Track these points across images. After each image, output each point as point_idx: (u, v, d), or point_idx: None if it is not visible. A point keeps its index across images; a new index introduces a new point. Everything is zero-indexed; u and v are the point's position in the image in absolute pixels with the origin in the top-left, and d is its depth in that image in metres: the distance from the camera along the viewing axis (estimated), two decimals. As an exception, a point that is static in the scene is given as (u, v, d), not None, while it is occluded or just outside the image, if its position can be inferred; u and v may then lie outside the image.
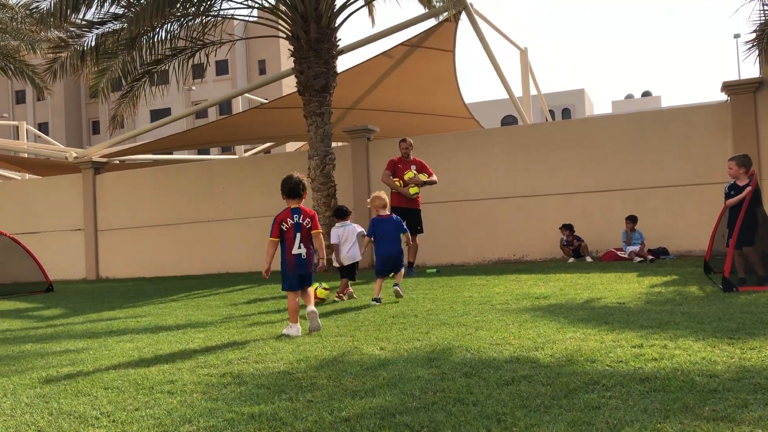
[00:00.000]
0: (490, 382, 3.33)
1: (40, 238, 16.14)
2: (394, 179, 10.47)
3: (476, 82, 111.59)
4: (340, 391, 3.32)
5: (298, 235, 5.53)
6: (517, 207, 12.49)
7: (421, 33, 13.48)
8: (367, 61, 13.61)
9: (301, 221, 5.58)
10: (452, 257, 12.69)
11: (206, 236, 15.19)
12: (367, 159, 13.57)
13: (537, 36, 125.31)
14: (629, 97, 61.25)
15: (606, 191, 11.86)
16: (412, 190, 10.34)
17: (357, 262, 8.21)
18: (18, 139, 28.64)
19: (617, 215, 11.31)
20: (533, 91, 19.39)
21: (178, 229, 15.51)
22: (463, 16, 13.61)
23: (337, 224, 8.31)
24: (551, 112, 33.05)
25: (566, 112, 54.68)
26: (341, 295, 7.85)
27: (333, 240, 8.26)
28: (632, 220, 10.72)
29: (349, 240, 8.16)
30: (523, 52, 18.60)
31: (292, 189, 5.71)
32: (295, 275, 5.52)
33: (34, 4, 14.63)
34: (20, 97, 60.73)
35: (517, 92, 16.77)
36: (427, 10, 13.39)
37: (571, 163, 12.09)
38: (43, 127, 57.32)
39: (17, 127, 28.58)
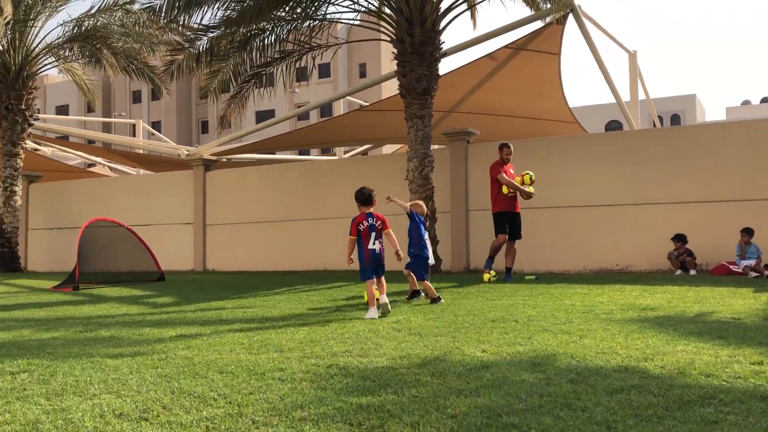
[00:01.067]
0: (598, 390, 3.27)
1: (153, 231, 17.09)
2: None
3: (580, 85, 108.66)
4: (444, 388, 3.36)
5: (373, 234, 6.74)
6: (621, 215, 12.09)
7: (526, 35, 13.30)
8: (469, 63, 13.58)
9: (374, 223, 6.82)
10: (551, 265, 12.45)
11: (307, 234, 15.60)
12: (466, 162, 13.53)
13: (646, 38, 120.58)
14: (746, 103, 57.81)
15: (719, 201, 11.28)
16: (531, 190, 10.14)
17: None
18: (135, 136, 30.49)
19: (731, 227, 10.73)
20: (641, 96, 18.71)
21: (281, 226, 16.02)
22: (570, 17, 13.33)
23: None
24: (659, 117, 31.73)
25: (675, 119, 52.29)
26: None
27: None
28: (748, 232, 10.13)
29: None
30: (632, 55, 17.99)
31: (366, 198, 6.99)
32: (371, 266, 6.66)
33: (149, 5, 15.48)
34: (137, 97, 64.50)
35: (624, 97, 16.24)
36: (533, 12, 13.20)
37: (682, 171, 11.59)
38: (156, 126, 60.67)
39: (134, 125, 30.44)
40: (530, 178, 10.16)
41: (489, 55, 13.49)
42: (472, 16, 14.51)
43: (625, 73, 18.60)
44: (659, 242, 11.31)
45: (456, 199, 13.46)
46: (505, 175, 10.16)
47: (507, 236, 10.11)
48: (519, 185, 10.11)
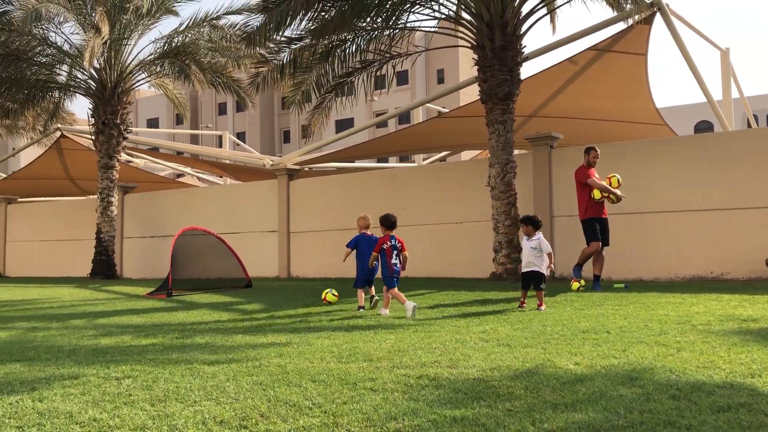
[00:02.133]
0: (703, 407, 3.13)
1: (240, 238, 17.62)
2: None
3: (669, 85, 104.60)
4: (539, 402, 3.30)
5: (395, 252, 8.08)
6: (715, 220, 11.56)
7: (610, 37, 12.94)
8: (551, 67, 13.34)
9: (395, 243, 8.13)
10: (640, 272, 12.03)
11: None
12: (549, 167, 13.27)
13: (739, 35, 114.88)
14: None
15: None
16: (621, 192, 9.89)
17: (533, 273, 7.87)
18: (221, 147, 31.53)
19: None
20: (734, 94, 17.84)
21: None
22: (658, 16, 12.88)
23: (525, 237, 8.11)
24: (755, 116, 30.16)
25: (772, 117, 49.57)
26: (524, 304, 7.77)
27: (546, 250, 8.09)
28: None
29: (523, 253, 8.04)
30: (724, 53, 17.18)
31: (391, 224, 8.32)
32: (394, 277, 7.93)
33: (242, 26, 16.01)
34: (222, 109, 66.80)
35: (716, 96, 15.51)
36: (616, 14, 12.84)
37: (783, 173, 10.97)
38: (240, 136, 62.60)
39: (220, 136, 31.50)
40: (617, 181, 9.87)
41: (572, 58, 13.20)
42: (552, 21, 14.25)
43: (716, 72, 17.87)
44: (757, 248, 10.75)
45: (540, 206, 13.22)
46: (596, 178, 9.92)
47: (600, 243, 9.86)
48: (611, 188, 9.83)
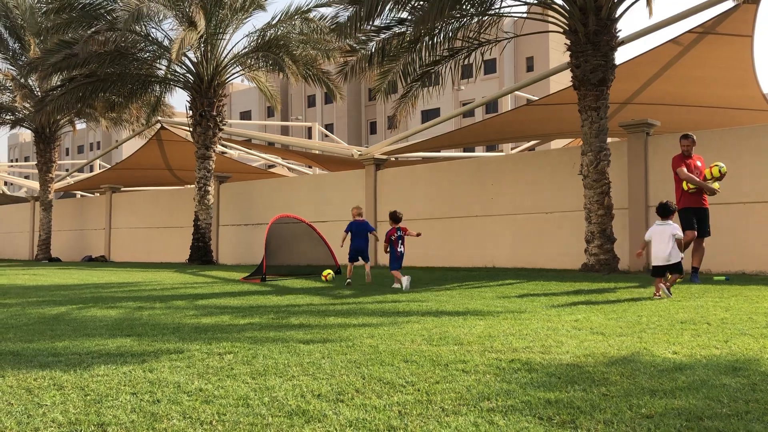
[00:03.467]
0: (815, 400, 2.98)
1: (329, 226, 17.99)
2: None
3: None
4: (635, 388, 3.23)
5: (400, 241, 9.99)
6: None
7: (712, 18, 12.31)
8: (648, 51, 12.84)
9: (402, 234, 10.03)
10: (743, 264, 11.46)
11: (475, 230, 15.61)
12: (645, 155, 12.82)
13: None
14: None
15: None
16: (716, 185, 9.45)
17: (674, 264, 7.61)
18: (310, 138, 32.24)
19: None
20: None
21: (449, 222, 16.17)
22: (766, -5, 12.15)
23: (657, 222, 7.86)
24: None
25: None
26: (658, 293, 7.52)
27: (645, 236, 7.92)
28: None
29: (659, 240, 7.68)
30: (841, 32, 15.99)
31: (398, 218, 10.11)
32: (399, 262, 9.94)
33: (332, 18, 16.23)
34: (311, 101, 68.11)
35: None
36: (721, -8, 12.20)
37: None
38: (329, 128, 63.70)
39: (310, 128, 32.18)
40: (719, 171, 9.38)
41: (671, 41, 12.66)
42: (648, 3, 13.68)
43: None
44: None
45: (634, 195, 12.81)
46: (685, 169, 9.50)
47: (696, 233, 9.46)
48: (700, 181, 9.40)
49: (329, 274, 11.49)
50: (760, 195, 11.52)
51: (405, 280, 9.37)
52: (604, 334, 4.91)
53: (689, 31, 12.49)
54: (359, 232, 10.74)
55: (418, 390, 3.27)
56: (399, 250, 9.95)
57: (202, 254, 19.76)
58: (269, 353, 4.27)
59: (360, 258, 10.87)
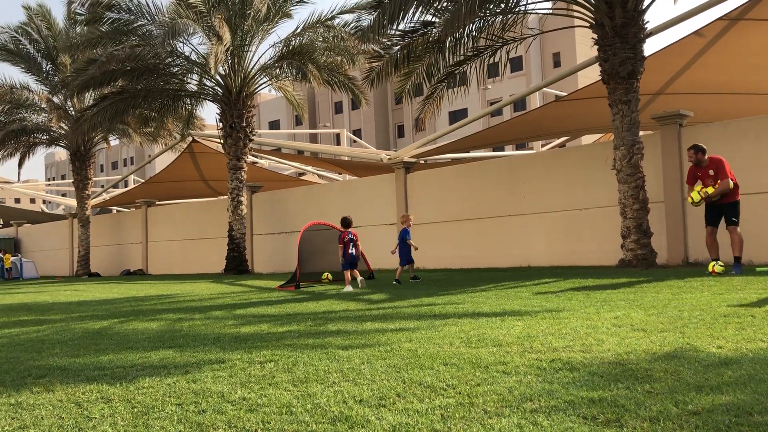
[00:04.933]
0: None
1: (361, 232, 17.99)
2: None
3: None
4: (681, 384, 3.18)
5: (351, 243, 11.37)
6: None
7: (742, 4, 12.06)
8: (677, 41, 12.63)
9: (353, 238, 11.43)
10: (787, 254, 11.19)
11: (508, 230, 15.52)
12: (679, 147, 12.62)
13: None
14: None
15: None
16: (693, 197, 9.57)
17: None
18: (338, 144, 32.39)
19: None
20: None
21: (481, 223, 16.10)
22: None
23: None
24: None
25: None
26: None
27: None
28: None
29: None
30: None
31: (348, 223, 11.64)
32: (349, 262, 11.23)
33: (355, 23, 16.32)
34: (338, 108, 68.44)
35: None
36: (751, -22, 11.94)
37: None
38: (356, 133, 63.89)
39: (338, 134, 32.33)
40: (699, 194, 9.53)
41: (694, 33, 12.44)
42: (676, -8, 13.47)
43: None
44: None
45: (670, 187, 12.62)
46: (689, 186, 9.83)
47: (710, 226, 9.65)
48: (699, 195, 9.53)
49: (328, 275, 13.00)
50: (800, 182, 11.25)
51: (356, 282, 11.01)
52: (646, 331, 4.84)
53: (720, 18, 12.26)
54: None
55: (460, 393, 3.26)
56: (350, 252, 11.30)
57: (237, 264, 19.98)
58: (309, 360, 4.30)
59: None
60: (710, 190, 9.43)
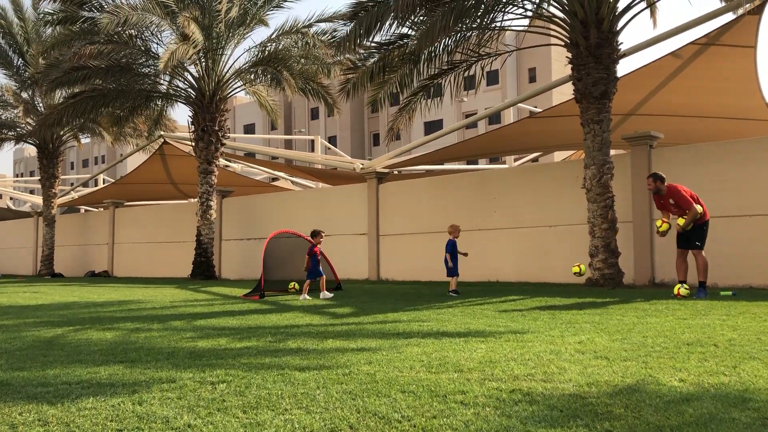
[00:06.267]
0: (829, 436, 2.84)
1: (331, 241, 17.88)
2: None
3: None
4: (641, 423, 3.10)
5: (318, 256, 11.74)
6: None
7: (715, 30, 12.23)
8: (650, 63, 12.76)
9: (320, 250, 11.89)
10: (750, 278, 11.31)
11: (478, 244, 15.48)
12: (649, 167, 12.71)
13: None
14: None
15: None
16: (662, 228, 9.77)
17: None
18: (313, 151, 32.17)
19: None
20: None
21: (452, 236, 16.03)
22: (768, 6, 12.05)
23: None
24: None
25: None
26: None
27: None
28: None
29: None
30: None
31: (318, 235, 11.84)
32: (317, 273, 11.60)
33: (331, 33, 16.23)
34: (314, 114, 68.23)
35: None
36: (723, 4, 12.11)
37: None
38: (332, 140, 63.74)
39: (312, 140, 32.13)
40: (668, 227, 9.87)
41: (671, 54, 12.58)
42: (652, 14, 13.62)
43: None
44: None
45: (639, 208, 12.69)
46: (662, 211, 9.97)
47: (681, 248, 9.76)
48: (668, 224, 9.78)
49: (295, 285, 12.84)
50: (766, 208, 11.39)
51: (304, 298, 11.21)
52: (609, 359, 4.78)
53: (692, 43, 12.41)
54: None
55: (414, 426, 3.14)
56: (320, 259, 11.87)
57: (204, 269, 19.67)
58: (263, 382, 4.15)
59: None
60: (681, 221, 9.52)
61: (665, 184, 9.73)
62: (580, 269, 10.74)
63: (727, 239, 11.39)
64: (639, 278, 12.50)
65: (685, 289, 9.44)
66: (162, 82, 20.42)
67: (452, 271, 11.38)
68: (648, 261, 12.53)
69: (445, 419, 3.23)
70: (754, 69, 13.60)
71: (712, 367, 4.38)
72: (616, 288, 11.32)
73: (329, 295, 11.37)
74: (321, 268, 11.77)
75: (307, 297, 11.26)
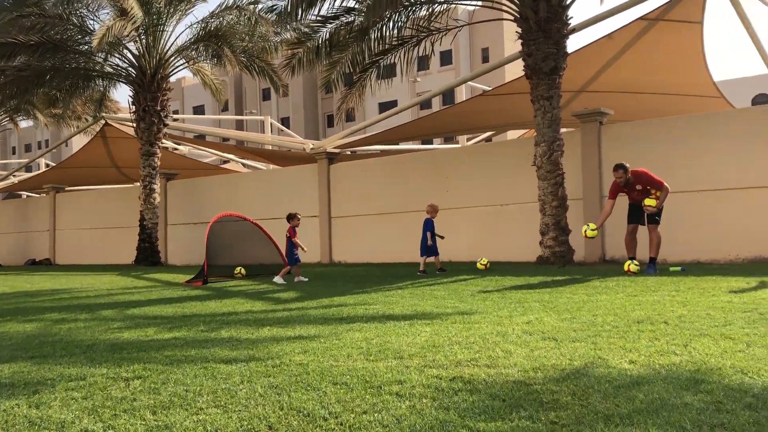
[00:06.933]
0: (788, 421, 2.63)
1: (282, 224, 17.38)
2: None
3: (725, 57, 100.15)
4: (588, 413, 2.85)
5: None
6: (781, 197, 10.77)
7: (663, 5, 12.15)
8: (600, 39, 12.61)
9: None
10: (698, 254, 11.34)
11: (430, 224, 15.22)
12: (599, 144, 12.61)
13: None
14: None
15: None
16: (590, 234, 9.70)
17: None
18: (263, 132, 31.43)
19: None
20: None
21: (405, 217, 15.77)
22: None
23: None
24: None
25: (835, 87, 46.86)
26: None
27: None
28: None
29: None
30: (788, 18, 16.03)
31: (294, 218, 11.20)
32: (290, 259, 11.10)
33: (272, 4, 15.56)
34: (266, 95, 66.92)
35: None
36: (670, -22, 12.02)
37: None
38: (285, 122, 62.70)
39: (263, 121, 31.40)
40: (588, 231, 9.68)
41: (622, 29, 12.45)
42: (601, -11, 13.45)
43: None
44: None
45: (589, 185, 12.60)
46: (607, 207, 9.79)
47: (632, 224, 9.67)
48: (604, 218, 9.83)
49: (241, 270, 12.31)
50: (713, 182, 11.41)
51: (279, 280, 10.85)
52: (557, 340, 4.54)
53: (640, 18, 12.30)
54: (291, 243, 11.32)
55: (341, 424, 2.83)
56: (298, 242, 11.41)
57: (149, 255, 18.99)
58: (182, 378, 3.77)
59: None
60: (649, 202, 9.32)
61: (629, 172, 9.57)
62: (486, 265, 11.07)
63: (676, 215, 11.38)
64: (590, 255, 12.44)
65: (635, 265, 9.37)
66: (99, 60, 19.49)
67: (431, 251, 11.30)
68: (598, 238, 12.47)
69: (376, 414, 2.93)
70: (700, 46, 13.60)
71: (663, 347, 4.19)
72: (567, 266, 11.21)
73: (304, 279, 10.98)
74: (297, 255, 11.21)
75: (303, 278, 10.94)
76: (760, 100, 45.08)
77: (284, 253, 11.44)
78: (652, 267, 9.45)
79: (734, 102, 17.14)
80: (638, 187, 9.48)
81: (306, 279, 11.03)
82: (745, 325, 4.88)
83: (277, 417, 2.95)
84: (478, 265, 10.53)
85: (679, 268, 9.87)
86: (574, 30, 12.22)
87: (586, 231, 9.63)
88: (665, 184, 9.40)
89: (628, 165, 9.58)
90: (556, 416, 2.81)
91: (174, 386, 3.58)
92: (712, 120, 11.73)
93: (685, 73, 14.39)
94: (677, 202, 11.35)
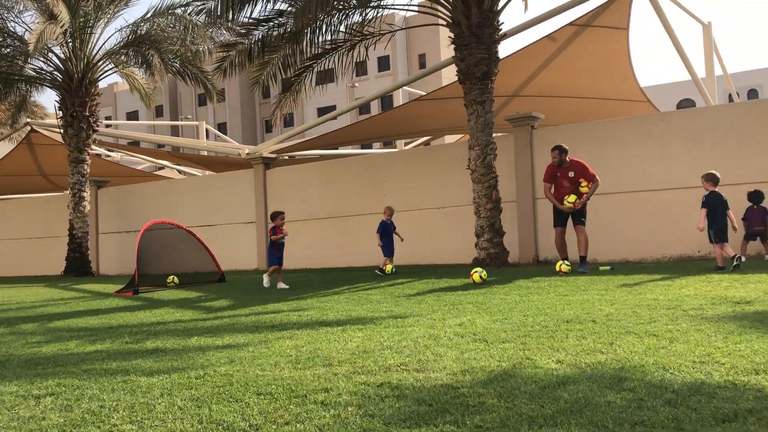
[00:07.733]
0: (704, 416, 2.68)
1: (217, 231, 17.11)
2: (553, 190, 9.98)
3: (651, 63, 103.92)
4: (513, 415, 2.84)
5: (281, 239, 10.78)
6: (701, 197, 11.16)
7: (591, 11, 12.47)
8: (530, 44, 12.86)
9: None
10: (627, 253, 11.65)
11: (369, 228, 15.15)
12: (531, 148, 12.83)
13: (720, 9, 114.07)
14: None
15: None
16: (569, 200, 9.72)
17: None
18: (199, 138, 30.81)
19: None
20: (717, 71, 17.42)
21: (343, 221, 15.69)
22: (640, -12, 12.43)
23: None
24: (737, 93, 29.72)
25: (753, 93, 49.25)
26: None
27: None
28: None
29: None
30: (707, 27, 16.74)
31: (278, 217, 10.85)
32: (271, 260, 10.96)
33: (201, 4, 15.26)
34: (202, 100, 65.67)
35: (699, 73, 15.07)
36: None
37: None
38: (221, 127, 61.68)
39: (197, 127, 30.77)
40: (574, 201, 9.74)
41: (551, 35, 12.72)
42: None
43: (698, 48, 17.39)
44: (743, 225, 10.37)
45: (522, 188, 12.80)
46: (547, 185, 10.00)
47: (559, 227, 9.87)
48: (552, 198, 9.90)
49: (174, 279, 12.00)
50: (640, 184, 11.75)
51: (266, 280, 10.82)
52: (487, 341, 4.55)
53: (570, 24, 12.60)
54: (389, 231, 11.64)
55: (262, 436, 2.73)
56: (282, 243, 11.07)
57: (79, 266, 18.29)
58: (99, 393, 3.60)
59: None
60: (573, 198, 9.57)
61: (568, 157, 9.84)
62: (391, 270, 11.40)
63: (604, 216, 11.67)
64: (524, 257, 12.64)
65: (567, 265, 9.55)
66: (19, 63, 18.69)
67: (385, 252, 11.60)
68: (532, 239, 12.68)
69: (299, 425, 2.84)
70: (627, 51, 14.03)
71: (590, 345, 4.24)
72: (502, 267, 11.35)
73: (284, 286, 10.37)
74: (278, 256, 10.87)
75: (284, 285, 10.37)
76: (684, 105, 46.96)
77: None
78: (584, 265, 9.66)
79: (660, 107, 17.76)
80: (571, 174, 9.71)
81: (287, 286, 10.36)
82: (669, 322, 5.01)
83: (195, 431, 2.83)
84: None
85: (608, 268, 10.11)
86: (505, 35, 12.40)
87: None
88: (597, 178, 9.69)
89: (567, 148, 9.85)
90: (481, 420, 2.79)
91: (88, 402, 3.40)
92: (637, 123, 12.09)
93: (613, 78, 14.82)
94: (606, 204, 11.65)
